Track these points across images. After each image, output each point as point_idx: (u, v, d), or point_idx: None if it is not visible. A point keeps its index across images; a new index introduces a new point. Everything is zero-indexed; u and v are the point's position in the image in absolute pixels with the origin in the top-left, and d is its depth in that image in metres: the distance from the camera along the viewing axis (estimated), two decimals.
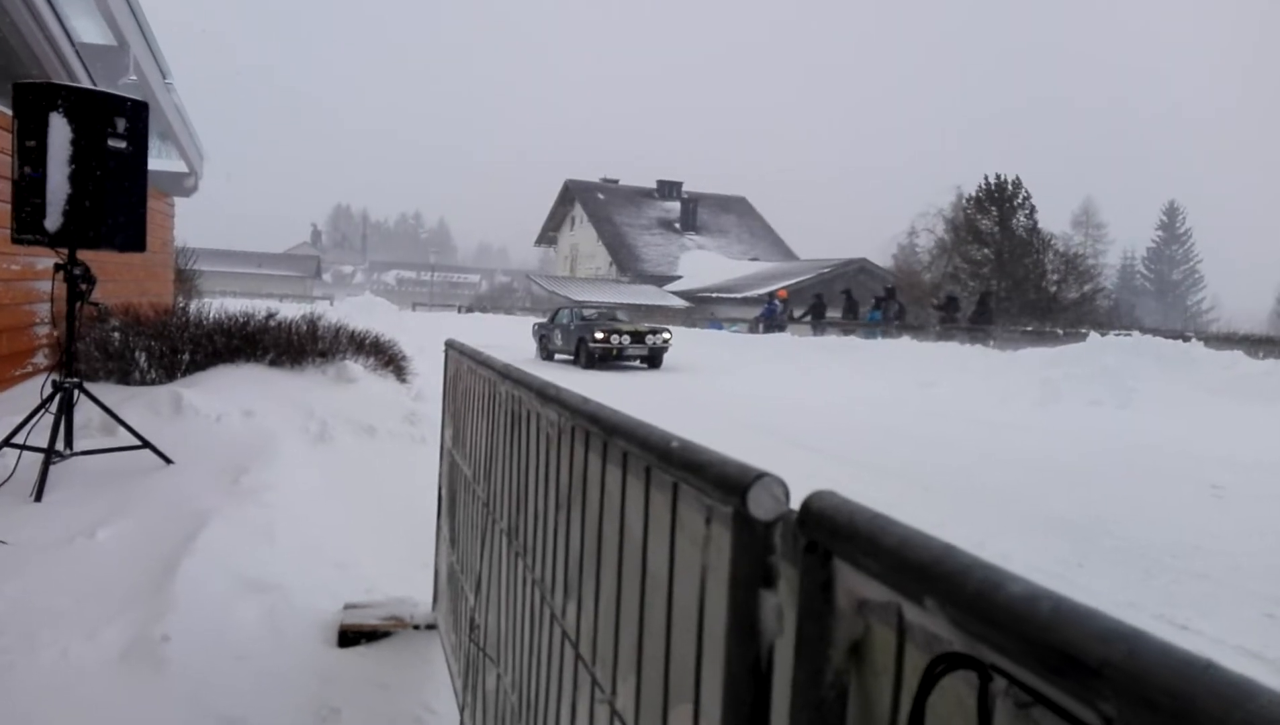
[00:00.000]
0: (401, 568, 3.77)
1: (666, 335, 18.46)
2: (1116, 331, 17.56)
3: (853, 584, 0.67)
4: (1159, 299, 61.98)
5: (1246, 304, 51.80)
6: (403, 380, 7.77)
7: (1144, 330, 19.10)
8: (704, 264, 51.02)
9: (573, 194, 59.21)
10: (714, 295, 43.54)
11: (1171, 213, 67.80)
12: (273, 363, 6.72)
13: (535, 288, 53.95)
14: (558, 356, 19.73)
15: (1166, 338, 15.74)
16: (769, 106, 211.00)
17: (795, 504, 0.77)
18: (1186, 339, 15.65)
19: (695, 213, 57.21)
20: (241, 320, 7.14)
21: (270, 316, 7.34)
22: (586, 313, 20.16)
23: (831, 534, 0.67)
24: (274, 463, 4.76)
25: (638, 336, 18.02)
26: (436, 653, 2.89)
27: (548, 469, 1.62)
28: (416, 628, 3.11)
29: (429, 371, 7.98)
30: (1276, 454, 8.23)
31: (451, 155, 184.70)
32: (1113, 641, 0.44)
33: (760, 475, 0.77)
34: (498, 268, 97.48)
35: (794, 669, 0.72)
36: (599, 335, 17.64)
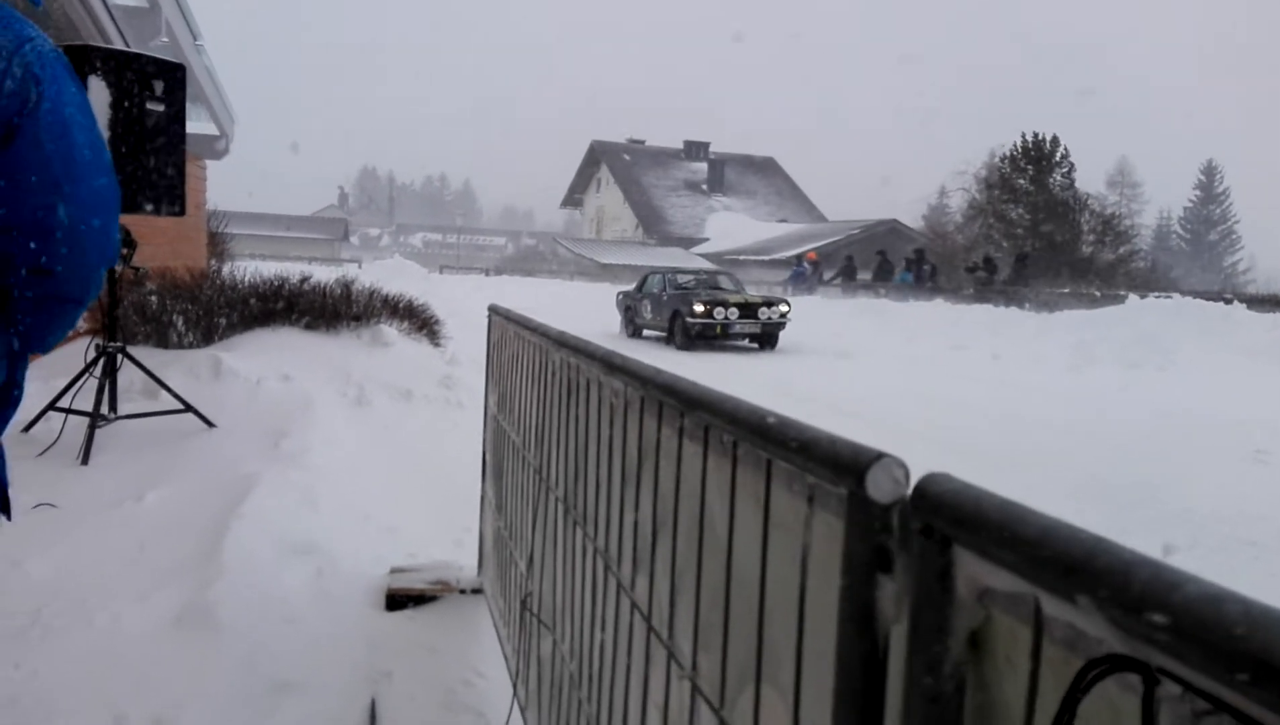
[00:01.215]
0: (444, 532, 3.78)
1: (784, 308, 14.70)
2: (1155, 293, 17.25)
3: (975, 572, 0.64)
4: (1195, 260, 60.83)
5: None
6: (436, 344, 7.78)
7: (1182, 292, 18.75)
8: (732, 226, 50.67)
9: (599, 155, 58.85)
10: (742, 257, 43.26)
11: (1210, 172, 66.29)
12: (308, 326, 6.74)
13: (561, 250, 53.88)
14: (647, 332, 16.58)
15: (1206, 299, 15.45)
16: (797, 65, 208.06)
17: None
18: (1228, 301, 15.34)
19: (722, 174, 56.71)
20: (276, 283, 7.17)
21: (304, 280, 7.36)
22: (682, 279, 16.49)
23: (953, 520, 0.64)
24: (313, 427, 4.78)
25: (748, 309, 14.40)
26: (484, 617, 2.90)
27: (611, 440, 1.59)
28: (463, 592, 3.12)
29: (462, 335, 7.98)
30: None
31: (477, 116, 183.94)
32: None
33: (880, 456, 0.73)
34: (523, 230, 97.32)
35: (907, 659, 0.69)
36: (698, 308, 14.26)
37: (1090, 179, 38.90)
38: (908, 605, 0.68)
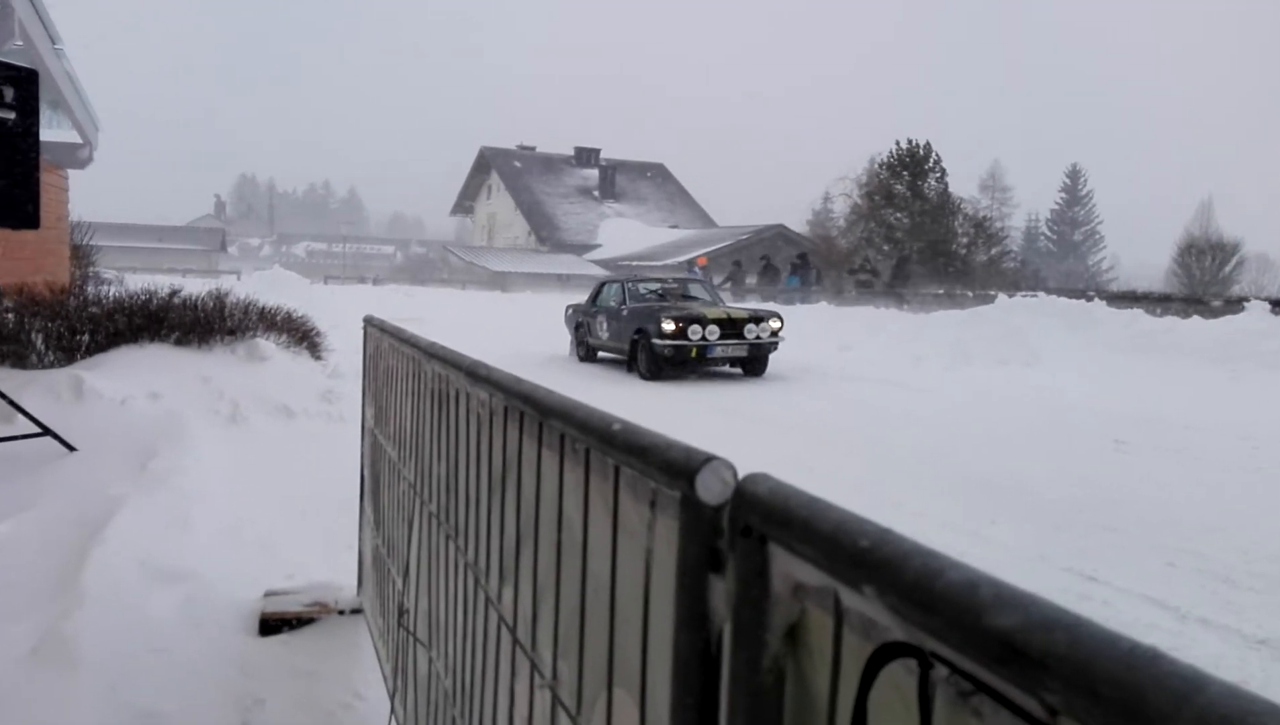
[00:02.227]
0: (324, 551, 3.68)
1: (776, 324, 11.62)
2: (1023, 292, 18.14)
3: (789, 568, 0.66)
4: (1062, 259, 64.16)
5: (1144, 262, 54.11)
6: (318, 357, 7.57)
7: (1048, 290, 19.78)
8: (623, 232, 50.95)
9: (489, 162, 58.32)
10: (634, 263, 43.52)
11: (1074, 175, 70.07)
12: (179, 342, 6.46)
13: (453, 259, 53.14)
14: (604, 354, 13.30)
15: (1070, 297, 16.34)
16: (685, 73, 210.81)
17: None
18: (1089, 298, 16.26)
19: (614, 180, 56.96)
20: (144, 298, 6.85)
21: (174, 293, 7.05)
22: (645, 289, 13.24)
23: (766, 518, 0.66)
24: (185, 446, 4.59)
25: (731, 326, 11.31)
26: (363, 638, 2.84)
27: (479, 451, 1.59)
28: (341, 613, 3.04)
29: (345, 347, 7.79)
30: (1172, 408, 8.63)
31: (361, 123, 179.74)
32: (1054, 630, 0.44)
33: (708, 459, 0.75)
34: (413, 238, 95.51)
35: (731, 655, 0.71)
36: (668, 326, 11.06)
37: (964, 183, 40.63)
38: (732, 603, 0.70)
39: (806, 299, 22.87)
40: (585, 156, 58.50)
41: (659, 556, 0.87)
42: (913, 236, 33.05)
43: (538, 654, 1.26)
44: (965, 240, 34.34)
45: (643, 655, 0.89)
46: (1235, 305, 14.29)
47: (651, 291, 13.12)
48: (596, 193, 56.18)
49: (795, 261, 26.61)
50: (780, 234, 41.33)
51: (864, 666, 0.55)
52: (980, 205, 38.68)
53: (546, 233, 52.23)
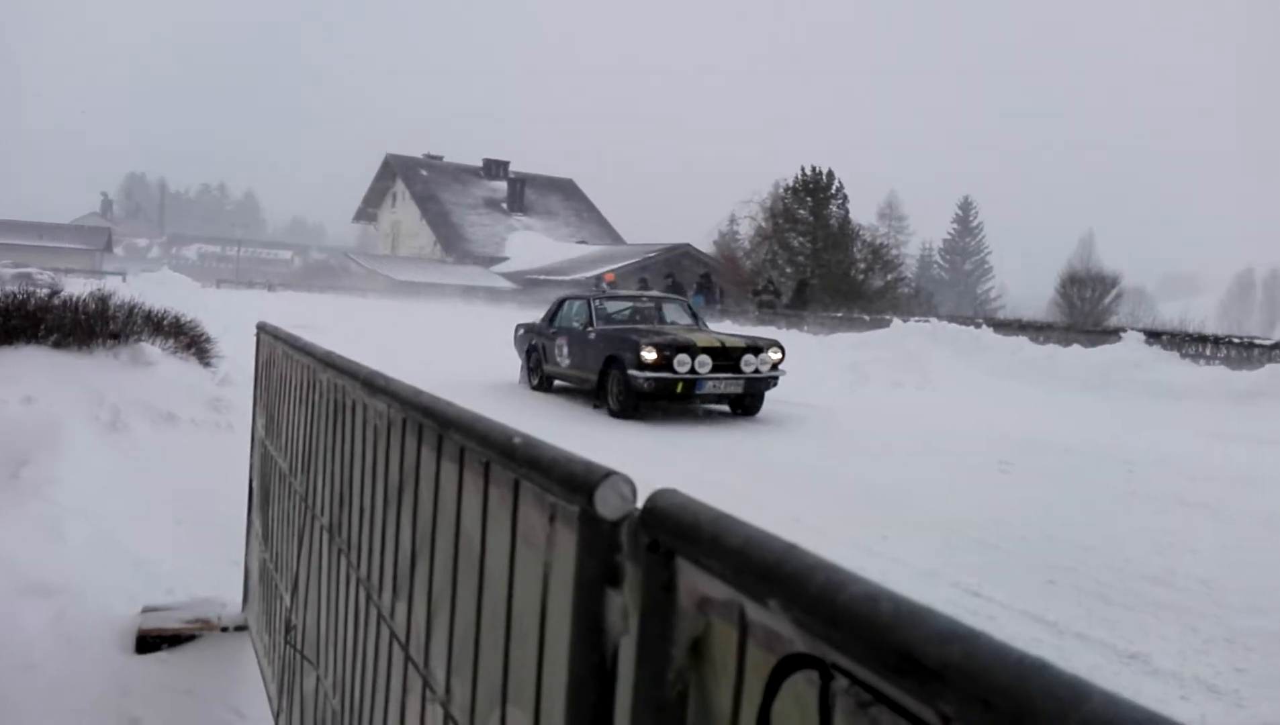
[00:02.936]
0: (208, 566, 3.53)
1: (776, 356, 9.80)
2: (916, 318, 18.78)
3: (695, 582, 0.67)
4: (953, 287, 66.72)
5: (1030, 292, 56.61)
6: (206, 364, 7.28)
7: (939, 316, 20.53)
8: (532, 245, 50.74)
9: (394, 169, 57.34)
10: (542, 277, 43.40)
11: (966, 207, 73.07)
12: (57, 345, 6.13)
13: (354, 266, 51.98)
14: (561, 382, 11.43)
15: (960, 324, 17.00)
16: (596, 90, 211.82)
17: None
18: (977, 325, 16.94)
19: (522, 193, 56.71)
20: (21, 297, 6.48)
21: (54, 293, 6.70)
22: (614, 307, 11.42)
23: (675, 534, 0.67)
24: (60, 454, 4.35)
25: (725, 356, 9.46)
26: (248, 655, 2.73)
27: (375, 463, 1.55)
28: (225, 630, 2.92)
29: (236, 354, 7.53)
30: (1053, 432, 9.04)
31: (260, 124, 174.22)
32: (951, 642, 0.45)
33: (608, 474, 0.75)
34: (312, 244, 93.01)
35: (636, 670, 0.71)
36: (649, 355, 9.21)
37: (863, 211, 41.90)
38: (635, 618, 0.70)
39: (710, 317, 23.19)
40: (494, 169, 58.09)
41: (557, 571, 0.86)
42: (814, 260, 33.90)
43: (430, 671, 1.23)
44: (864, 266, 35.39)
45: (538, 671, 0.88)
46: (1113, 335, 15.09)
47: (623, 311, 11.31)
48: (505, 205, 55.83)
49: (699, 281, 26.93)
50: (687, 253, 41.80)
51: (767, 679, 0.56)
52: (878, 232, 39.92)
53: (453, 243, 51.60)
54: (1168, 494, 6.41)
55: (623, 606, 0.74)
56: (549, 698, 0.85)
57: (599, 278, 32.69)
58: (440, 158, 58.68)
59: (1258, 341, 13.64)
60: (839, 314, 23.39)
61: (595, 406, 10.15)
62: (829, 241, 34.58)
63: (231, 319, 10.96)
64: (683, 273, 32.33)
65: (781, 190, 36.88)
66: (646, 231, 57.22)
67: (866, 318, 21.70)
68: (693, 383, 9.19)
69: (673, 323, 11.15)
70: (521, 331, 12.43)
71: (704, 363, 9.18)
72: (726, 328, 20.26)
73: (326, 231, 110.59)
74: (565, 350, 10.86)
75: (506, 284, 44.70)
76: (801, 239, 35.13)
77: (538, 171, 60.12)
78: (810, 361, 14.54)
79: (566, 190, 60.33)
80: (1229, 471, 7.23)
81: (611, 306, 11.36)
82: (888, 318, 19.37)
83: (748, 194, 39.37)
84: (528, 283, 43.74)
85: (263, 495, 2.80)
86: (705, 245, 43.30)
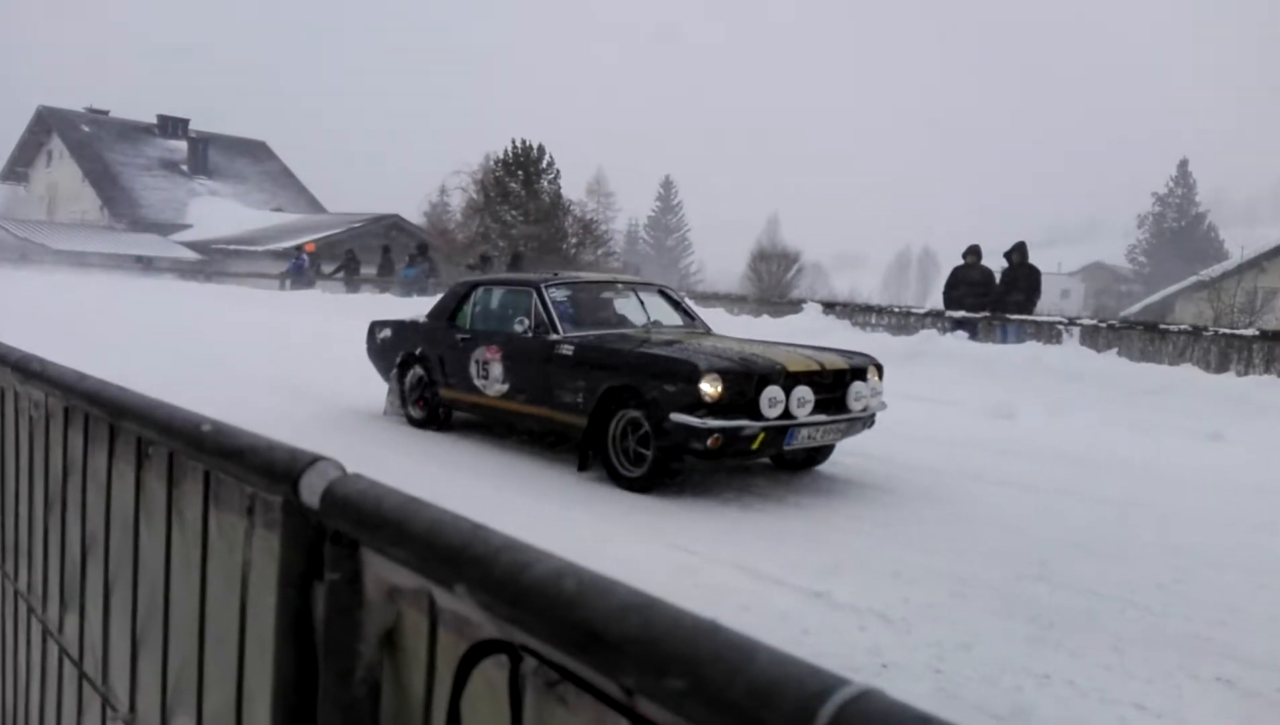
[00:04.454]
0: None
1: (879, 381, 6.20)
2: None
3: (383, 573, 0.65)
4: (658, 262, 69.93)
5: (725, 267, 60.60)
6: None
7: None
8: (218, 212, 46.66)
9: (49, 123, 50.35)
10: (232, 247, 40.15)
11: (668, 186, 76.77)
12: None
13: (2, 234, 45.16)
14: (463, 413, 7.51)
15: None
16: (292, 47, 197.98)
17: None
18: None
19: (206, 155, 51.90)
20: None
21: None
22: (579, 301, 7.11)
23: (359, 522, 0.65)
24: None
25: (828, 388, 5.84)
26: None
27: (33, 460, 1.37)
28: None
29: None
30: None
31: None
32: (629, 614, 0.48)
33: (315, 459, 0.71)
34: None
35: (321, 671, 0.68)
36: (710, 387, 5.36)
37: (572, 186, 42.67)
38: (323, 614, 0.67)
39: (425, 291, 22.65)
40: (171, 126, 52.62)
41: (258, 568, 0.81)
42: (527, 234, 34.10)
43: (110, 688, 1.11)
44: (575, 240, 36.15)
45: (238, 678, 0.82)
46: (796, 306, 16.52)
47: (593, 307, 7.20)
48: (185, 167, 50.86)
49: (412, 252, 26.19)
50: (396, 224, 40.42)
51: (457, 666, 0.56)
52: (588, 208, 40.88)
53: (122, 209, 46.29)
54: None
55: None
56: (252, 705, 0.80)
57: (298, 248, 30.83)
58: (106, 112, 52.30)
59: (913, 311, 15.50)
60: None
61: (580, 470, 6.13)
62: (541, 215, 34.95)
63: None
64: (393, 245, 31.27)
65: (493, 162, 36.67)
66: (351, 201, 54.69)
67: None
68: (782, 433, 5.51)
69: (676, 327, 7.21)
70: (387, 334, 8.13)
71: (804, 399, 5.56)
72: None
73: None
74: (497, 370, 6.73)
75: (190, 255, 40.91)
76: (514, 212, 35.20)
77: (225, 131, 55.30)
78: None
79: (258, 153, 56.03)
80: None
81: (575, 299, 7.02)
82: None
83: (458, 165, 38.71)
84: (216, 254, 40.29)
85: None
86: (415, 216, 42.12)
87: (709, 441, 5.36)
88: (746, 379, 5.48)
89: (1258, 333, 12.97)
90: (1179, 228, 63.18)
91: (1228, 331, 12.93)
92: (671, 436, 5.49)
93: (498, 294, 7.47)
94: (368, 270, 28.05)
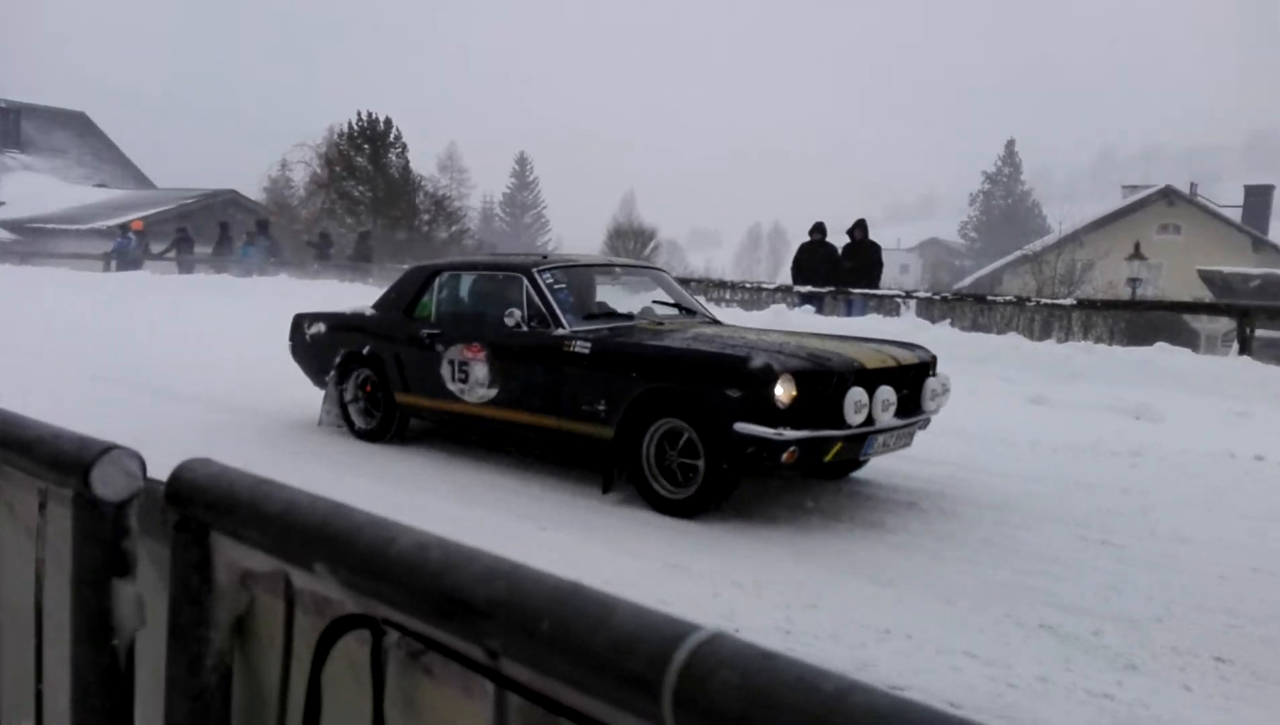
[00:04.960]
0: None
1: (945, 376, 5.55)
2: None
3: (235, 557, 0.63)
4: (515, 239, 69.20)
5: (582, 244, 60.60)
6: None
7: None
8: (34, 188, 43.08)
9: None
10: (51, 226, 37.22)
11: (522, 162, 75.88)
12: None
13: None
14: (420, 420, 6.61)
15: None
16: (116, 12, 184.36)
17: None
18: None
19: (18, 126, 47.77)
20: None
21: None
22: (577, 287, 6.08)
23: (209, 507, 0.62)
24: None
25: (905, 386, 5.17)
26: None
27: None
28: None
29: None
30: None
31: None
32: (495, 580, 0.49)
33: (107, 448, 0.66)
34: None
35: (168, 662, 0.65)
36: (784, 391, 4.53)
37: (423, 162, 41.58)
38: (164, 606, 0.64)
39: (265, 271, 21.66)
40: None
41: (53, 564, 0.75)
42: (375, 210, 33.08)
43: None
44: (427, 217, 35.32)
45: (36, 681, 0.77)
46: None
47: (593, 293, 6.29)
48: None
49: (251, 230, 24.94)
50: (233, 200, 38.38)
51: (316, 645, 0.55)
52: (440, 184, 40.02)
53: None
54: None
55: (136, 597, 0.66)
56: (51, 709, 0.75)
57: (124, 226, 28.85)
58: None
59: (764, 285, 15.97)
60: (404, 265, 23.12)
61: (605, 492, 5.21)
62: (390, 191, 33.95)
63: None
64: (230, 222, 29.70)
65: (337, 136, 35.35)
66: (182, 176, 51.61)
67: None
68: (860, 441, 4.83)
69: (681, 317, 6.32)
70: (319, 330, 6.95)
71: (888, 401, 4.86)
72: (283, 282, 19.03)
73: None
74: (481, 372, 5.72)
75: (3, 235, 37.67)
76: (361, 188, 34.07)
77: (40, 102, 51.02)
78: None
79: (77, 125, 51.98)
80: None
81: (574, 286, 5.97)
82: None
83: (299, 138, 37.09)
84: (32, 233, 37.25)
85: None
86: (255, 192, 40.15)
87: (784, 456, 4.53)
88: (824, 379, 4.69)
89: (1075, 302, 14.04)
90: (1007, 205, 67.44)
91: (1049, 302, 13.95)
92: (735, 451, 4.61)
93: (469, 281, 6.44)
94: (202, 249, 26.56)
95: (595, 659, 0.43)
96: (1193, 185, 39.83)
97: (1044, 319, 13.00)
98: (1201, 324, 19.93)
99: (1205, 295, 20.85)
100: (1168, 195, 37.61)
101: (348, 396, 6.67)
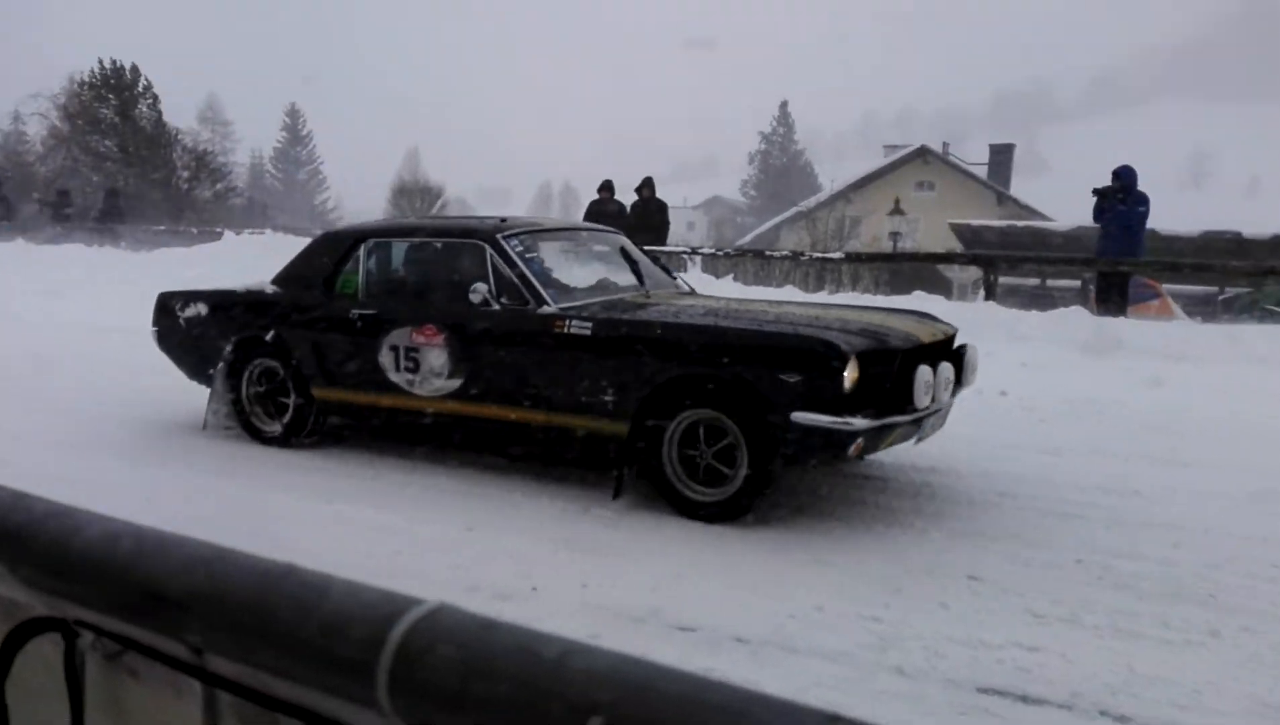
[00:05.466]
0: None
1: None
2: (251, 230, 18.05)
3: None
4: (289, 198, 65.21)
5: (364, 204, 58.03)
6: None
7: (276, 228, 20.00)
8: None
9: None
10: None
11: (294, 115, 71.27)
12: None
13: None
14: (343, 416, 5.46)
15: (296, 235, 16.77)
16: None
17: None
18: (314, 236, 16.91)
19: None
20: None
21: None
22: (544, 253, 5.14)
23: None
24: None
25: (957, 364, 4.73)
26: None
27: None
28: None
29: None
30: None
31: None
32: (195, 569, 0.44)
33: None
34: None
35: None
36: (851, 375, 3.87)
37: (181, 115, 38.32)
38: None
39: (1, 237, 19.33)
40: None
41: None
42: (126, 167, 30.23)
43: None
44: (187, 174, 32.68)
45: None
46: None
47: (566, 258, 5.50)
48: None
49: None
50: None
51: None
52: (201, 138, 37.06)
53: None
54: None
55: None
56: None
57: None
58: None
59: None
60: (162, 227, 21.34)
61: (615, 498, 4.39)
62: (142, 146, 31.11)
63: None
64: None
65: (77, 86, 31.94)
66: None
67: (195, 231, 20.17)
68: (918, 425, 4.31)
69: (668, 290, 5.58)
70: (198, 311, 5.64)
71: (948, 380, 4.44)
72: (20, 247, 17.06)
73: None
74: (437, 359, 4.81)
75: None
76: (108, 142, 31.02)
77: None
78: (134, 283, 13.11)
79: None
80: None
81: (547, 255, 5.17)
82: (219, 230, 18.27)
83: (34, 88, 33.22)
84: None
85: None
86: None
87: (851, 448, 3.92)
88: (888, 358, 4.15)
89: (844, 256, 14.98)
90: (782, 164, 70.58)
91: (821, 256, 14.79)
92: (789, 445, 4.00)
93: (406, 250, 5.38)
94: None
95: (304, 647, 0.40)
96: (945, 145, 43.21)
97: (817, 272, 13.78)
98: (954, 273, 21.78)
99: (957, 247, 22.75)
100: (923, 154, 40.57)
101: (243, 393, 5.42)
